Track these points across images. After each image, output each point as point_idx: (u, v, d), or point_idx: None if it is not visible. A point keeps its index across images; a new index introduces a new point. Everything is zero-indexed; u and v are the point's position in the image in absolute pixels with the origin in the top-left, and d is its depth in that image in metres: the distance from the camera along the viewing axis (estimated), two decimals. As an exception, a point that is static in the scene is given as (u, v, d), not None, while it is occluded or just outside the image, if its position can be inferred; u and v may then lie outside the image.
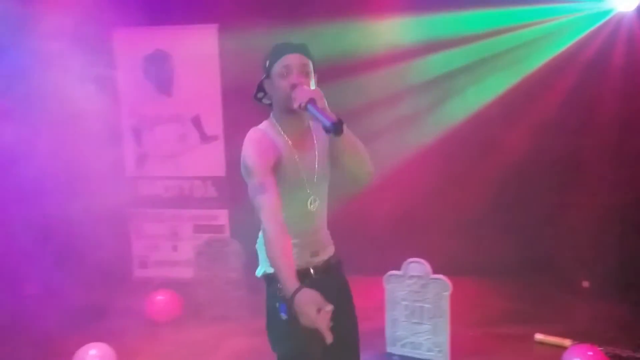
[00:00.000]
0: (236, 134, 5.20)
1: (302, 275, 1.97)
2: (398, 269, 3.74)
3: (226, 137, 5.34)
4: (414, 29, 5.03)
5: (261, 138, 2.05)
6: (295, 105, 1.93)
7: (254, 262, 4.51)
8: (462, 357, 3.69)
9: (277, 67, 2.02)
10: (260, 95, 2.20)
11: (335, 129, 1.83)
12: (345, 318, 2.13)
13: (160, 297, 4.64)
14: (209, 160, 5.41)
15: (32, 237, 4.34)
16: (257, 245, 2.21)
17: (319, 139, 2.15)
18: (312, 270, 2.12)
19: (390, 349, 3.80)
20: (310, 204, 2.13)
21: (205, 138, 5.43)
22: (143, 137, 5.57)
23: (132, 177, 5.61)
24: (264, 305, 2.17)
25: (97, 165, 4.53)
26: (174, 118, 5.47)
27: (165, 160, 5.56)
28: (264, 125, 2.14)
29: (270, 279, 2.08)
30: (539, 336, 3.94)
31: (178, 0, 5.23)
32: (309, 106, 1.88)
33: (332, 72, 5.05)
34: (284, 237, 1.89)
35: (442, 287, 3.61)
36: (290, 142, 2.08)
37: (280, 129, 2.09)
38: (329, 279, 2.15)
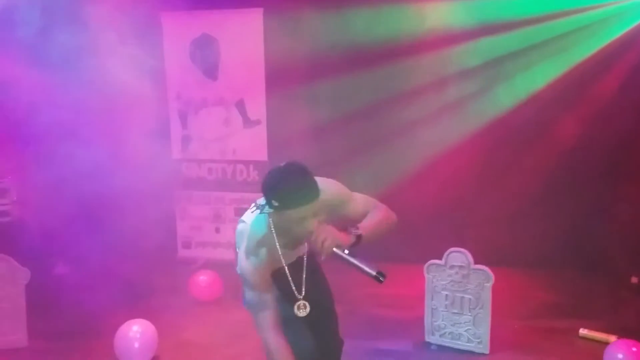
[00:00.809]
0: (278, 119, 5.33)
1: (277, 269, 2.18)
2: (439, 258, 3.69)
3: (269, 122, 5.37)
4: (463, 12, 4.92)
5: (260, 251, 2.09)
6: (323, 258, 1.99)
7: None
8: (502, 350, 3.64)
9: (293, 214, 1.95)
10: (265, 209, 2.07)
11: (378, 278, 1.98)
12: (320, 292, 2.41)
13: (203, 277, 4.74)
14: (252, 144, 5.46)
15: (83, 217, 4.50)
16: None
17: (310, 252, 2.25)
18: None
19: (428, 338, 3.78)
20: (299, 309, 2.22)
21: (248, 122, 5.47)
22: (188, 121, 5.67)
23: (178, 159, 5.73)
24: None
25: (144, 147, 4.63)
26: (218, 102, 5.54)
27: (209, 144, 5.65)
28: (261, 229, 2.11)
29: None
30: (583, 331, 3.83)
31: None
32: (349, 258, 1.96)
33: (377, 56, 5.04)
34: (287, 355, 2.08)
35: (484, 278, 3.55)
36: (283, 253, 2.14)
37: (277, 242, 2.10)
38: (303, 264, 2.28)
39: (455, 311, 3.66)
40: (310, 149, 5.34)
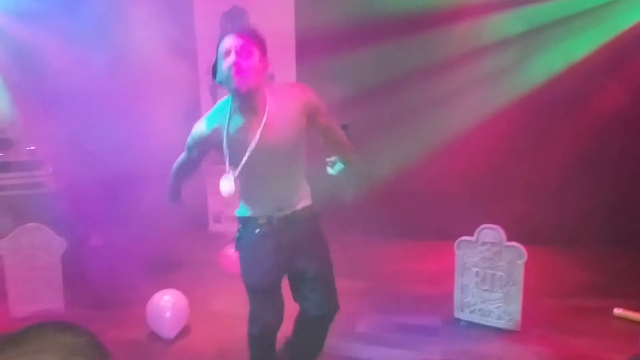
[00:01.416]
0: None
1: (266, 222, 2.42)
2: (470, 234, 3.63)
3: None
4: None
5: (202, 122, 2.37)
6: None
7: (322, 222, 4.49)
8: (533, 328, 3.58)
9: (220, 49, 2.20)
10: (217, 78, 2.27)
11: None
12: (309, 257, 2.50)
13: (233, 251, 4.76)
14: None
15: (116, 189, 4.58)
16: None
17: (277, 117, 2.27)
18: (275, 220, 2.42)
19: (458, 315, 3.74)
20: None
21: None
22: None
23: (208, 134, 5.74)
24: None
25: (176, 120, 4.66)
26: (248, 76, 5.50)
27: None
28: (221, 102, 2.37)
29: (240, 220, 2.52)
30: (617, 311, 3.74)
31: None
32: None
33: (411, 26, 4.91)
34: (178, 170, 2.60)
35: (517, 255, 3.48)
36: (238, 124, 2.27)
37: (230, 107, 2.29)
38: (291, 227, 2.44)
39: (486, 288, 3.61)
40: (339, 124, 5.29)
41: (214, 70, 2.24)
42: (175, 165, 2.62)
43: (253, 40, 2.17)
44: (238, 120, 2.26)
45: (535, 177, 4.96)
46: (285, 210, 2.43)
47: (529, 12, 4.76)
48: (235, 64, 2.10)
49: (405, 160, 5.13)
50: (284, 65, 5.28)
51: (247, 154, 2.25)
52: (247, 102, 2.22)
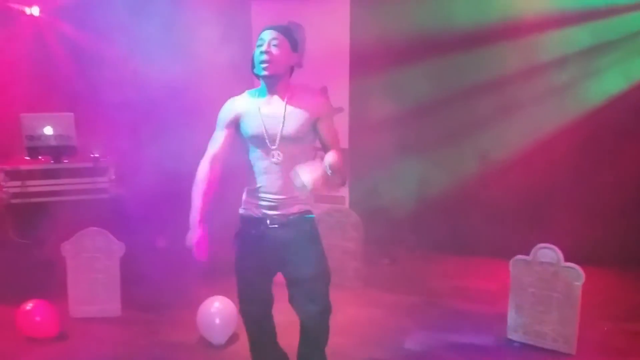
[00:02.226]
0: (362, 106, 5.30)
1: (258, 222, 2.52)
2: (526, 253, 3.56)
3: (351, 109, 5.34)
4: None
5: (229, 102, 2.56)
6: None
7: (371, 234, 4.53)
8: (589, 352, 3.45)
9: (257, 41, 2.46)
10: (254, 67, 2.50)
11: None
12: (301, 261, 2.55)
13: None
14: (333, 131, 5.46)
15: (176, 196, 4.69)
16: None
17: (293, 106, 2.45)
18: (268, 221, 2.51)
19: (511, 336, 3.65)
20: (273, 157, 2.45)
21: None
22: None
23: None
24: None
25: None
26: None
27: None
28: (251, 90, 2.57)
29: (240, 218, 2.61)
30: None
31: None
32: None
33: (466, 42, 4.88)
34: (205, 176, 2.46)
35: (574, 277, 3.38)
36: (259, 103, 2.47)
37: (257, 92, 2.52)
38: (283, 231, 2.51)
39: (541, 309, 3.51)
40: (394, 138, 5.30)
41: (253, 62, 2.47)
42: (200, 168, 2.53)
43: (283, 35, 2.44)
44: (264, 103, 2.47)
45: (594, 198, 4.82)
46: (280, 210, 2.49)
47: (591, 29, 4.65)
48: (266, 52, 2.38)
49: (462, 175, 5.08)
50: (337, 79, 5.32)
51: (279, 137, 2.42)
52: (271, 87, 2.46)
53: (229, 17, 5.12)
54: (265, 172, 2.49)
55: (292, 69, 2.52)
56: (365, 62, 5.13)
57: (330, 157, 2.31)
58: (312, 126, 2.48)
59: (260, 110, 2.47)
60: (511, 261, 3.61)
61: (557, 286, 3.44)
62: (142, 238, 4.79)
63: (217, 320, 3.60)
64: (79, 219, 4.06)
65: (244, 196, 2.61)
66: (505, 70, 4.91)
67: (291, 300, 2.66)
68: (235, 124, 2.51)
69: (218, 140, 2.54)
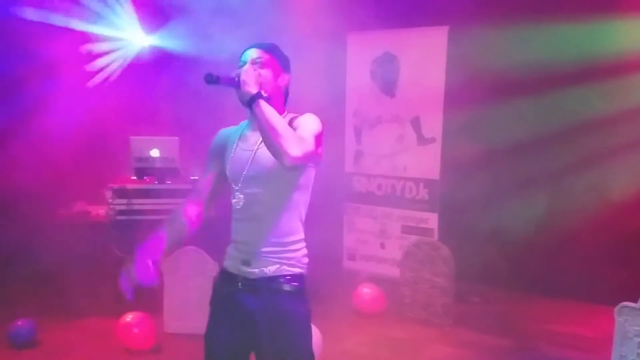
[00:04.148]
0: (455, 138, 5.22)
1: (233, 280, 2.03)
2: (633, 300, 3.30)
3: (444, 141, 5.27)
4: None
5: (217, 134, 2.19)
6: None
7: (462, 269, 4.39)
8: None
9: (240, 62, 2.04)
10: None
11: (209, 79, 1.86)
12: (272, 348, 1.98)
13: (367, 290, 4.81)
14: (424, 162, 5.41)
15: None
16: None
17: None
18: (239, 281, 2.01)
19: (613, 389, 3.38)
20: (234, 198, 2.03)
21: (422, 140, 5.44)
22: (363, 136, 5.82)
23: (349, 172, 5.90)
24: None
25: (324, 158, 4.85)
26: (394, 118, 5.59)
27: (381, 159, 5.73)
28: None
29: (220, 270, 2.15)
30: None
31: (410, 3, 5.32)
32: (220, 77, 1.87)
33: (569, 78, 4.69)
34: (178, 212, 2.15)
35: (689, 331, 3.10)
36: (241, 135, 2.09)
37: (242, 129, 2.12)
38: (257, 299, 1.98)
39: (649, 363, 3.24)
40: (487, 172, 5.16)
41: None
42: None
43: (271, 54, 2.04)
44: (245, 136, 2.07)
45: None
46: (252, 268, 1.98)
47: None
48: (244, 70, 1.90)
49: (557, 218, 4.84)
50: (431, 110, 5.30)
51: (243, 176, 2.00)
52: (250, 119, 2.04)
53: (325, 49, 5.25)
54: (240, 222, 2.04)
55: (284, 94, 2.09)
56: (460, 94, 5.05)
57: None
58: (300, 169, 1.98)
59: (237, 144, 2.07)
60: (616, 308, 3.35)
61: (669, 339, 3.16)
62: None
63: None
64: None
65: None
66: (611, 108, 4.65)
67: None
68: (222, 159, 2.11)
69: (201, 177, 2.21)
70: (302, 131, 1.92)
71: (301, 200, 2.04)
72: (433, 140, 5.36)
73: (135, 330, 3.84)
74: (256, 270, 1.98)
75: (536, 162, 5.00)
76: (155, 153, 4.76)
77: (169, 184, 4.73)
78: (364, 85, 5.70)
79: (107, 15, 5.34)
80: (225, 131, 2.18)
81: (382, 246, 5.74)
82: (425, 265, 4.61)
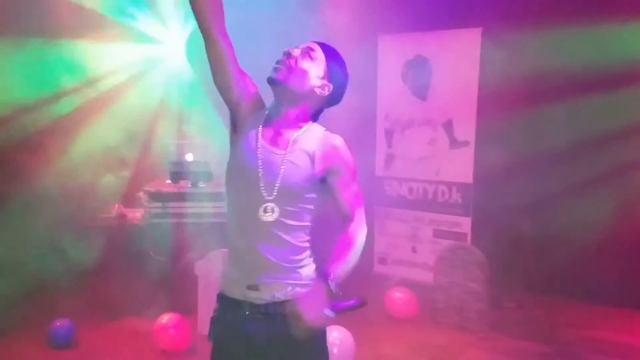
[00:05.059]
0: (489, 142, 5.16)
1: (237, 306, 1.78)
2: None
3: (477, 144, 5.21)
4: None
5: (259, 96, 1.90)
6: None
7: (496, 274, 4.32)
8: None
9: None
10: None
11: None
12: None
13: (399, 295, 4.77)
14: (457, 166, 5.35)
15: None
16: None
17: (303, 145, 1.79)
18: (247, 307, 1.78)
19: (658, 399, 3.29)
20: (264, 211, 1.74)
21: (455, 143, 5.39)
22: (394, 139, 5.79)
23: (380, 176, 5.88)
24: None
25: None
26: (425, 122, 5.55)
27: (412, 163, 5.69)
28: None
29: (218, 296, 1.89)
30: None
31: (442, 5, 5.28)
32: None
33: (608, 82, 4.58)
34: None
35: None
36: (264, 126, 1.81)
37: (265, 115, 1.85)
38: (268, 326, 1.77)
39: (697, 373, 3.14)
40: (521, 176, 5.09)
41: None
42: None
43: (326, 54, 1.85)
44: (268, 129, 1.81)
45: None
46: (262, 293, 1.77)
47: None
48: (289, 53, 1.79)
49: (591, 225, 4.73)
50: (464, 113, 5.25)
51: (278, 182, 1.75)
52: (282, 105, 1.82)
53: (356, 51, 5.24)
54: (242, 237, 1.79)
55: (317, 103, 1.86)
56: (494, 97, 4.99)
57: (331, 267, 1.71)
58: (316, 184, 1.80)
59: (260, 133, 1.80)
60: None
61: None
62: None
63: (335, 350, 3.60)
64: (211, 240, 4.31)
65: (225, 263, 1.91)
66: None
67: None
68: (239, 108, 1.84)
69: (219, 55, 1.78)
70: (347, 191, 1.84)
71: (313, 215, 1.85)
72: (466, 143, 5.30)
73: (171, 332, 3.89)
74: (266, 296, 1.77)
75: (571, 166, 4.90)
76: (189, 157, 4.82)
77: (201, 188, 4.78)
78: (396, 89, 5.67)
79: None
80: (261, 104, 1.89)
81: (414, 250, 5.70)
82: (459, 270, 4.56)
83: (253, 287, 1.76)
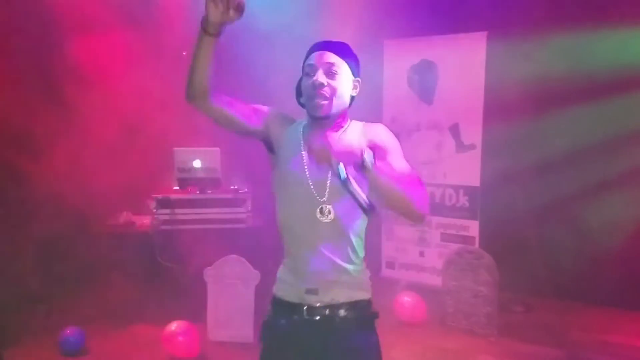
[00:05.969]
0: (495, 145, 5.15)
1: (292, 310, 1.83)
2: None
3: (484, 147, 5.20)
4: None
5: (284, 114, 1.95)
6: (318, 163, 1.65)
7: (506, 278, 4.31)
8: None
9: (305, 66, 1.86)
10: (300, 99, 1.91)
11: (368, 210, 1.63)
12: None
13: (407, 299, 4.77)
14: (464, 169, 5.34)
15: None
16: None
17: (348, 139, 1.85)
18: (305, 309, 1.81)
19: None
20: (321, 213, 1.78)
21: (461, 147, 5.38)
22: (400, 143, 5.76)
23: (387, 180, 5.86)
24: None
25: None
26: (432, 126, 5.55)
27: (419, 167, 5.67)
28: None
29: (272, 300, 1.93)
30: None
31: (447, 9, 5.29)
32: (344, 180, 1.61)
33: (615, 88, 4.55)
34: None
35: None
36: (304, 140, 1.85)
37: (302, 129, 1.89)
38: (325, 330, 1.80)
39: None
40: (528, 179, 5.08)
41: (298, 90, 1.91)
42: None
43: (343, 57, 1.85)
44: (308, 140, 1.80)
45: None
46: (321, 297, 1.80)
47: None
48: (320, 84, 1.78)
49: (605, 222, 4.72)
50: (470, 117, 5.24)
51: (329, 181, 1.77)
52: (324, 124, 1.86)
53: (361, 56, 5.25)
54: (304, 236, 1.83)
55: (351, 100, 1.92)
56: (500, 101, 4.98)
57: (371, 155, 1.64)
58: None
59: (301, 142, 1.86)
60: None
61: None
62: (275, 268, 5.00)
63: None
64: (220, 247, 4.32)
65: (280, 269, 1.96)
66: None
67: None
68: (272, 136, 1.89)
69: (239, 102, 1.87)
70: (401, 165, 1.79)
71: (362, 229, 1.89)
72: (473, 147, 5.30)
73: (180, 339, 3.90)
74: (325, 298, 1.80)
75: (580, 169, 4.89)
76: (197, 164, 4.85)
77: (209, 194, 4.80)
78: (401, 93, 5.67)
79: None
80: (287, 117, 1.94)
81: (422, 254, 5.68)
82: (467, 274, 4.55)
83: (313, 292, 1.81)
